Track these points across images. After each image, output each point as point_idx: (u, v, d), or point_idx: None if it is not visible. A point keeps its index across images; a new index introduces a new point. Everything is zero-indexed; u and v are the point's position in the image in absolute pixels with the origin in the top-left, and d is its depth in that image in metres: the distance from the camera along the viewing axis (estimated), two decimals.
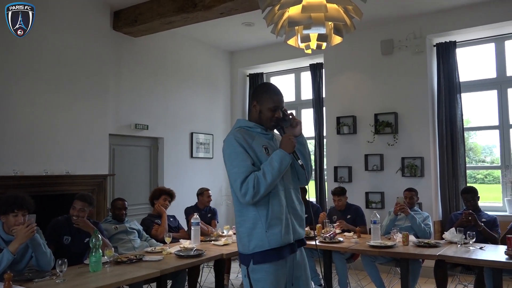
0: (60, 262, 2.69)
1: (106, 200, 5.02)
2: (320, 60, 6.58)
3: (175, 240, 4.15)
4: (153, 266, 3.17)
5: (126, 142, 5.76)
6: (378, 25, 5.94)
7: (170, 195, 4.58)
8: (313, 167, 6.55)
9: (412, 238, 4.05)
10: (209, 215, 5.12)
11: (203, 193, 5.13)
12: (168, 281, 3.65)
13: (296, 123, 2.34)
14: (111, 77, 5.38)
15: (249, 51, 7.20)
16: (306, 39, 3.11)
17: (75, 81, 4.85)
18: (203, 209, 5.10)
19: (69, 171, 4.67)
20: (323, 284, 4.48)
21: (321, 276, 4.54)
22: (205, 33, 6.40)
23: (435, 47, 5.74)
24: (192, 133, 6.56)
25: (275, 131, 2.41)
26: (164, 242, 3.98)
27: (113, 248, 3.43)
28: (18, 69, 4.34)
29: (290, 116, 2.34)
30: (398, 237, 4.04)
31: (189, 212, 4.89)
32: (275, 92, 2.34)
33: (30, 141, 4.40)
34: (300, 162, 2.26)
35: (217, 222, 5.19)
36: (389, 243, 3.92)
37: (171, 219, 4.61)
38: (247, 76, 7.46)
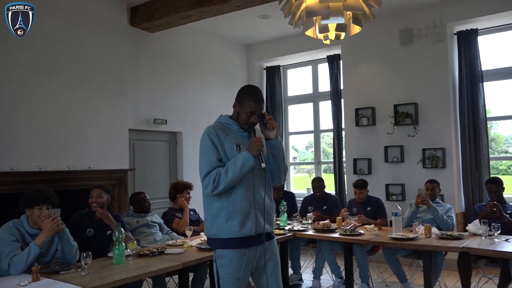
0: (84, 255, 2.74)
1: (127, 194, 5.08)
2: (337, 51, 6.51)
3: (195, 233, 4.18)
4: (175, 259, 3.20)
5: (146, 137, 5.82)
6: (396, 14, 5.84)
7: (190, 188, 4.61)
8: (333, 161, 6.50)
9: (434, 230, 3.98)
10: None
11: None
12: (189, 273, 3.69)
13: (272, 126, 2.47)
14: (130, 72, 5.43)
15: (266, 44, 7.18)
16: (324, 29, 3.08)
17: (95, 78, 4.92)
18: None
19: (91, 166, 4.75)
20: (343, 277, 4.46)
21: (342, 269, 4.52)
22: (221, 27, 6.40)
23: (455, 35, 5.61)
24: None
25: (257, 127, 2.54)
26: (184, 235, 4.02)
27: (135, 241, 3.47)
28: (40, 68, 4.42)
29: (268, 119, 2.46)
30: (420, 229, 3.99)
31: None
32: (256, 100, 2.45)
33: (53, 137, 4.49)
34: (263, 165, 2.39)
35: None
36: (411, 235, 3.87)
37: (192, 213, 4.64)
38: (264, 69, 7.44)
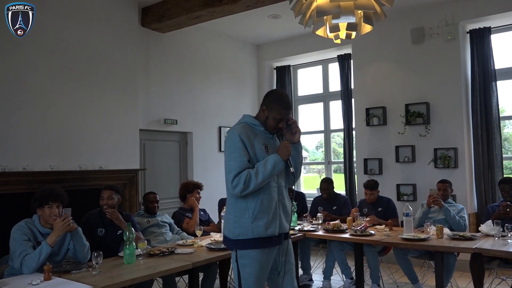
0: (95, 254, 2.76)
1: (138, 194, 5.12)
2: (348, 50, 6.47)
3: (205, 233, 4.19)
4: (185, 259, 3.21)
5: (156, 137, 5.85)
6: (407, 13, 5.79)
7: (201, 188, 4.63)
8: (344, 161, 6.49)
9: (446, 231, 3.94)
10: None
11: None
12: (199, 273, 3.69)
13: (296, 130, 2.52)
14: (140, 73, 5.47)
15: (276, 43, 7.16)
16: (335, 28, 3.06)
17: (106, 78, 4.96)
18: None
19: (102, 166, 4.79)
20: (354, 278, 4.43)
21: (352, 269, 4.50)
22: (231, 27, 6.40)
23: (468, 34, 5.54)
24: (220, 127, 6.59)
25: None
26: (195, 235, 4.03)
27: (146, 241, 3.49)
28: (51, 68, 4.47)
29: (292, 124, 2.52)
30: (432, 230, 3.94)
31: (223, 203, 4.90)
32: (285, 106, 2.48)
33: (65, 137, 4.54)
34: (291, 169, 2.47)
35: None
36: (423, 236, 3.83)
37: (201, 213, 4.65)
38: (274, 69, 7.43)
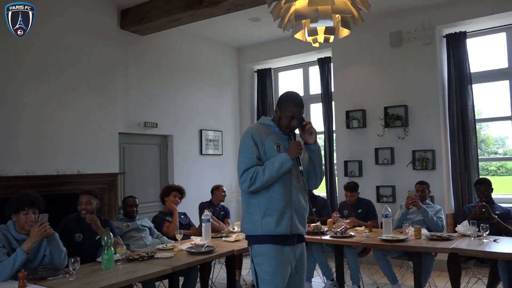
0: (72, 260, 2.71)
1: (117, 198, 5.05)
2: (328, 54, 6.53)
3: (186, 237, 4.16)
4: (164, 263, 3.18)
5: (136, 140, 5.78)
6: (386, 17, 5.88)
7: (180, 191, 4.58)
8: (323, 163, 6.55)
9: (424, 231, 4.01)
10: (222, 213, 5.13)
11: (218, 188, 5.14)
12: (180, 277, 3.67)
13: (311, 131, 2.55)
14: (120, 76, 5.40)
15: (257, 46, 7.18)
16: (313, 32, 3.08)
17: (84, 81, 4.88)
18: (218, 205, 5.11)
19: (81, 170, 4.70)
20: (334, 279, 4.46)
21: (333, 271, 4.53)
22: (212, 30, 6.39)
23: (444, 38, 5.66)
24: (201, 130, 6.56)
25: (296, 131, 2.62)
26: (175, 239, 4.00)
27: (125, 246, 3.44)
28: (27, 70, 4.38)
29: (307, 125, 2.54)
30: (410, 230, 4.01)
31: (203, 207, 4.89)
32: (296, 104, 2.55)
33: (42, 141, 4.44)
34: (300, 168, 2.48)
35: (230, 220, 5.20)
36: (401, 236, 3.89)
37: (182, 216, 4.62)
38: (255, 72, 7.44)
